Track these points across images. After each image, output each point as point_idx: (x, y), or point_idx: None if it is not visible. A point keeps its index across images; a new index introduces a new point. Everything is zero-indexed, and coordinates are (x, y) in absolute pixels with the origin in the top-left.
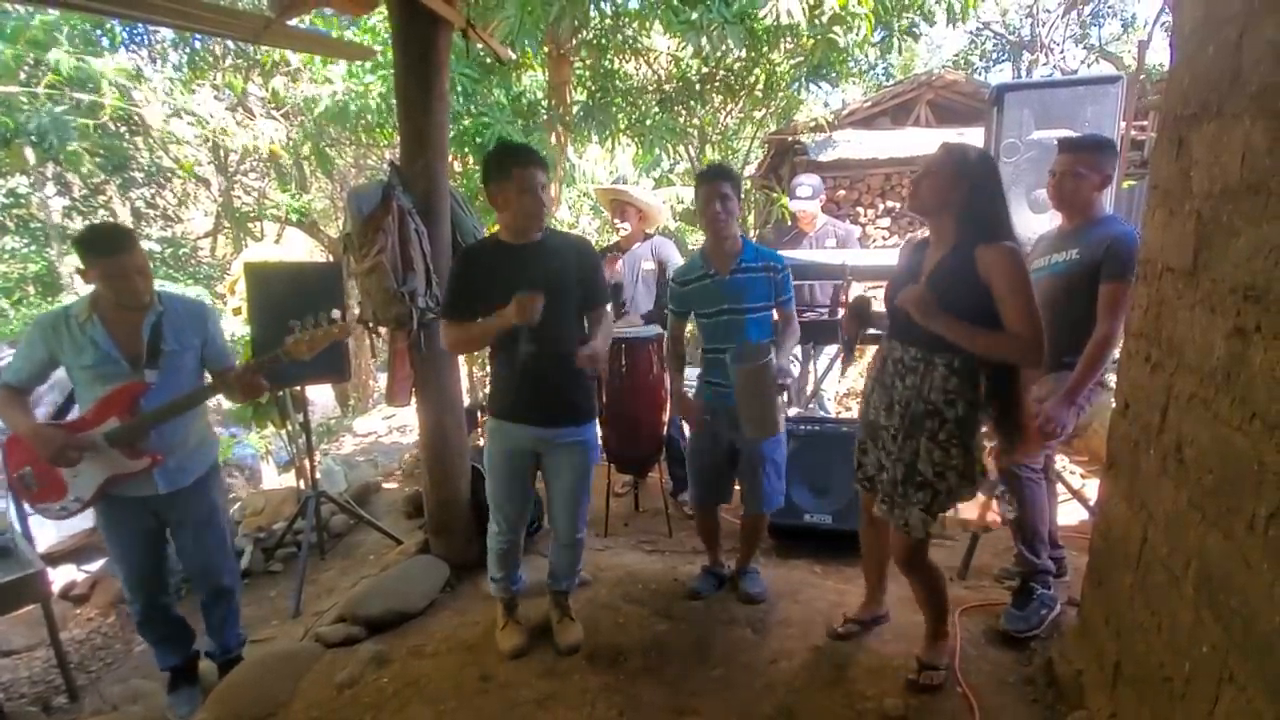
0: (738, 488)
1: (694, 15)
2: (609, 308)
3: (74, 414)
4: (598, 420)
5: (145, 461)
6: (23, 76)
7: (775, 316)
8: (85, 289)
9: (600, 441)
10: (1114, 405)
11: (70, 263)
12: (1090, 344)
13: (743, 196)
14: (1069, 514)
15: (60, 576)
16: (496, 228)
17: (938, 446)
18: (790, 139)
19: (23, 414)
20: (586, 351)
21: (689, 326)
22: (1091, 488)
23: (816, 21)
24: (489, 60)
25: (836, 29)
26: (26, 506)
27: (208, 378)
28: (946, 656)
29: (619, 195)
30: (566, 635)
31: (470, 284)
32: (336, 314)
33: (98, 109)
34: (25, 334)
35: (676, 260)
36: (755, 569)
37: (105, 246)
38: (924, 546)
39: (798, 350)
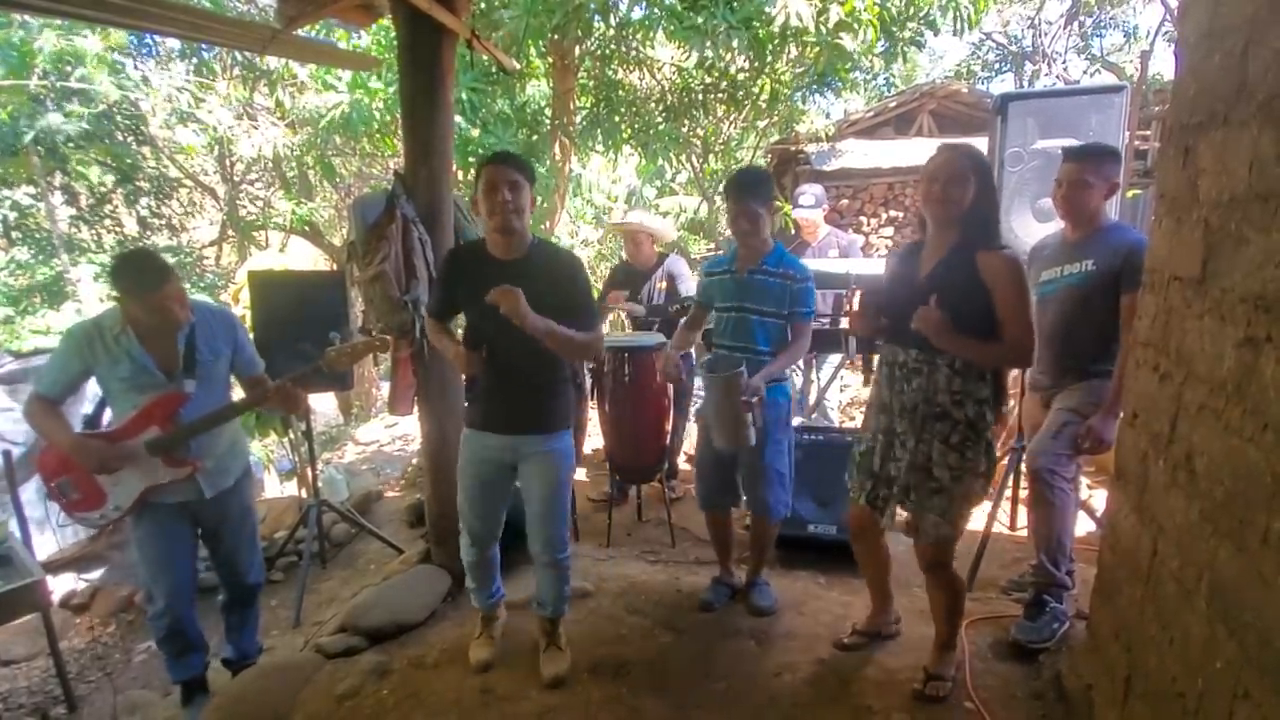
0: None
1: (699, 20)
2: (596, 329)
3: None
4: (572, 430)
5: (186, 470)
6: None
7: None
8: (91, 297)
9: (606, 452)
10: (1122, 415)
11: (77, 272)
12: (1122, 356)
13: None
14: (1076, 525)
15: (60, 585)
16: None
17: (952, 450)
18: (793, 149)
19: (61, 425)
20: (507, 290)
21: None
22: (1099, 498)
23: (822, 27)
24: (494, 70)
25: (843, 35)
26: (64, 515)
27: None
28: (954, 668)
29: (629, 227)
30: (550, 665)
31: (451, 286)
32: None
33: (93, 98)
34: (58, 346)
35: (687, 275)
36: (765, 581)
37: (145, 283)
38: (950, 550)
39: (800, 360)
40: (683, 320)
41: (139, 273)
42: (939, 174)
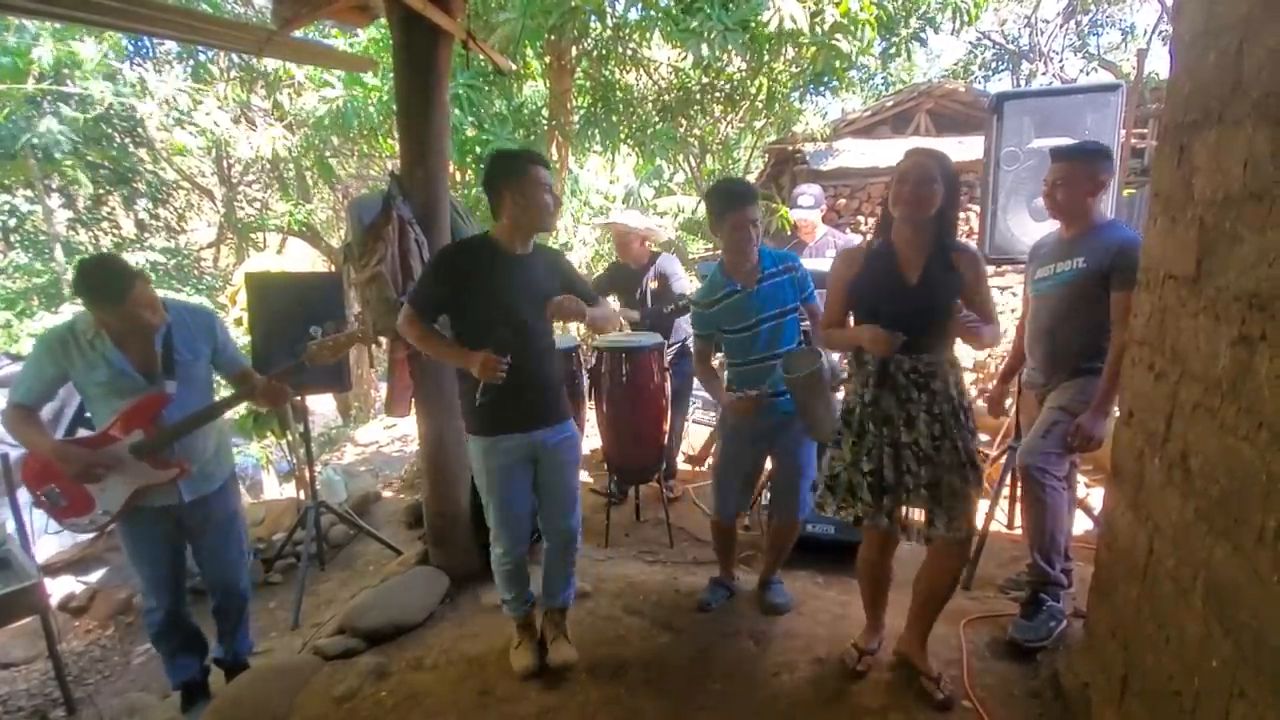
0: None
1: (694, 23)
2: (605, 304)
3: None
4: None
5: (173, 471)
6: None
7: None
8: None
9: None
10: (1118, 414)
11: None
12: (1111, 354)
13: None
14: (1074, 524)
15: (59, 588)
16: None
17: (969, 436)
18: (790, 148)
19: (41, 433)
20: (556, 301)
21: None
22: (1096, 497)
23: (818, 29)
24: (490, 71)
25: (839, 36)
26: (54, 523)
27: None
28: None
29: (618, 228)
30: (558, 654)
31: (452, 282)
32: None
33: (89, 103)
34: (32, 352)
35: (679, 273)
36: (779, 580)
37: (109, 294)
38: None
39: None
40: (697, 369)
41: (101, 284)
42: (909, 176)
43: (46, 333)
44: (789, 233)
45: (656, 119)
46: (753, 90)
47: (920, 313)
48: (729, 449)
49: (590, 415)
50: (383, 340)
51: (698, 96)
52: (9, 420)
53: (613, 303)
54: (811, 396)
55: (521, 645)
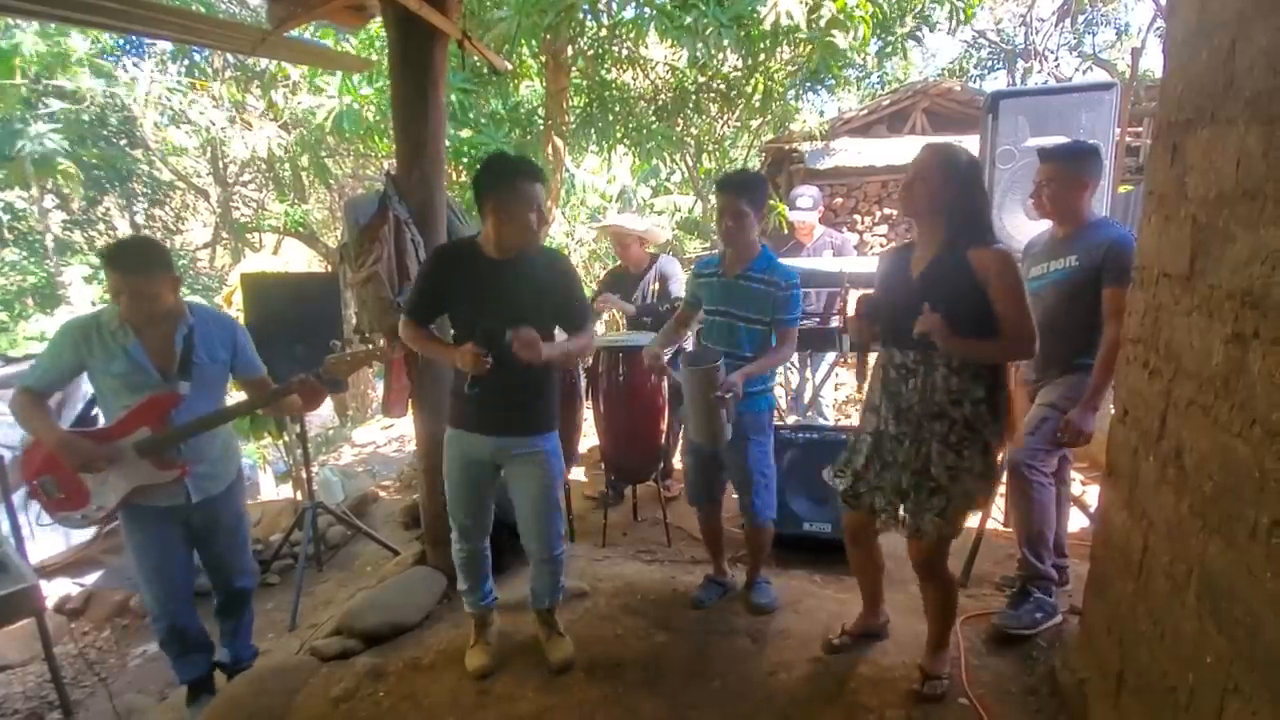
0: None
1: (688, 20)
2: (591, 325)
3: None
4: (557, 431)
5: (174, 472)
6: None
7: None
8: (83, 299)
9: (601, 453)
10: (1113, 412)
11: (69, 274)
12: (1102, 349)
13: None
14: (1070, 521)
15: (55, 590)
16: None
17: (950, 450)
18: (787, 147)
19: (47, 421)
20: (526, 336)
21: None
22: (1092, 494)
23: (815, 25)
24: (486, 71)
25: (835, 32)
26: (45, 515)
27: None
28: (948, 666)
29: (616, 230)
30: (557, 652)
31: (439, 287)
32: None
33: (80, 98)
34: (53, 339)
35: (678, 275)
36: (765, 580)
37: (129, 264)
38: (944, 551)
39: (795, 358)
40: (668, 323)
41: (129, 252)
42: (908, 172)
43: (70, 321)
44: (786, 232)
45: (653, 118)
46: (749, 89)
47: (910, 309)
48: (685, 434)
49: (588, 414)
50: (386, 350)
51: (694, 96)
52: (17, 404)
53: None
54: (692, 394)
55: (477, 644)
